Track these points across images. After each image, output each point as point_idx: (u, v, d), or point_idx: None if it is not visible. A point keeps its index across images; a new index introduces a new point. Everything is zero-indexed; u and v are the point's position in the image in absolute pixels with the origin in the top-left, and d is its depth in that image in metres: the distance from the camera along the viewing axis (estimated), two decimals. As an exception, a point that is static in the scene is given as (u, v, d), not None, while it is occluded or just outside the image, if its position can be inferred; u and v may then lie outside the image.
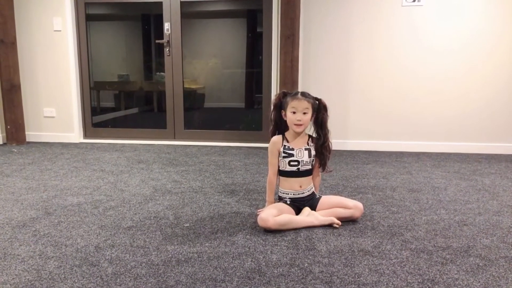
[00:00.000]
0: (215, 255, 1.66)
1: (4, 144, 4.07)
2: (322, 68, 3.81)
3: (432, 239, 1.82)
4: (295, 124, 1.93)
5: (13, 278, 1.47)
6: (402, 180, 2.79)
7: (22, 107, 4.08)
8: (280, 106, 2.00)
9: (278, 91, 3.72)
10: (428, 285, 1.43)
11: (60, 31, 4.03)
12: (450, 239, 1.82)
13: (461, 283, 1.45)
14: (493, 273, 1.52)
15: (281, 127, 2.04)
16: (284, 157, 1.98)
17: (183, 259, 1.62)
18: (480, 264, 1.59)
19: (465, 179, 2.82)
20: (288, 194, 2.01)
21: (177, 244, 1.76)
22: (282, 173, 2.01)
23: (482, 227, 1.97)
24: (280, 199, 2.04)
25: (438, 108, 3.74)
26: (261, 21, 3.97)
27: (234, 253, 1.67)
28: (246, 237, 1.83)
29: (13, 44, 3.94)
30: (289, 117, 1.94)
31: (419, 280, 1.47)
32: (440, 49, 3.66)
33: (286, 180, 2.01)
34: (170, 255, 1.65)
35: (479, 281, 1.46)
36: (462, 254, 1.67)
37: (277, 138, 2.01)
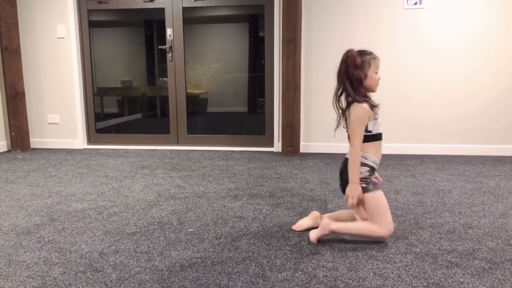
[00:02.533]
0: (219, 260, 1.66)
1: (9, 150, 4.09)
2: (324, 72, 3.81)
3: (437, 242, 1.81)
4: (377, 85, 1.83)
5: (18, 285, 1.48)
6: (405, 183, 2.78)
7: (26, 114, 4.11)
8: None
9: (281, 95, 3.74)
10: (433, 289, 1.42)
11: (64, 38, 4.06)
12: (455, 242, 1.81)
13: (466, 286, 1.44)
14: (499, 276, 1.51)
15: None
16: (375, 118, 1.80)
17: (187, 264, 1.62)
18: (486, 267, 1.58)
19: (470, 182, 2.81)
20: (377, 164, 1.80)
21: (181, 249, 1.76)
22: (374, 137, 1.78)
23: (487, 229, 1.95)
24: (372, 171, 1.78)
25: (441, 111, 3.73)
26: (263, 25, 3.98)
27: (238, 258, 1.67)
28: (250, 241, 1.83)
29: (17, 52, 3.97)
30: (373, 77, 1.79)
31: (424, 284, 1.46)
32: (443, 51, 3.66)
33: (376, 145, 1.79)
34: (174, 261, 1.65)
35: (485, 284, 1.45)
36: (467, 257, 1.66)
37: (366, 104, 1.78)
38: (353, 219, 1.90)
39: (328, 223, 1.78)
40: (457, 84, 3.68)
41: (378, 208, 1.76)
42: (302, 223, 1.98)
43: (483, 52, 3.61)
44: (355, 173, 1.75)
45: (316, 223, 1.95)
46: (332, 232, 1.78)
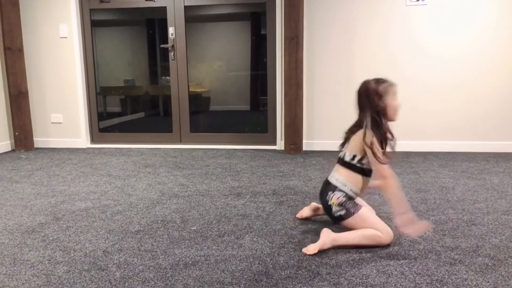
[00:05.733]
0: (222, 258, 1.66)
1: (13, 150, 4.11)
2: (326, 69, 3.80)
3: (440, 239, 1.81)
4: (397, 113, 1.79)
5: (23, 284, 1.49)
6: (409, 180, 2.77)
7: (29, 113, 4.13)
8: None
9: (283, 93, 3.74)
10: (436, 286, 1.42)
11: (66, 37, 4.07)
12: (458, 239, 1.81)
13: (470, 283, 1.44)
14: (502, 273, 1.50)
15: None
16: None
17: (190, 262, 1.63)
18: (489, 264, 1.58)
19: (473, 178, 2.80)
20: (356, 194, 1.79)
21: (185, 247, 1.77)
22: (363, 172, 1.79)
23: (491, 226, 1.95)
24: (350, 198, 1.77)
25: (445, 108, 3.72)
26: (265, 23, 3.98)
27: (241, 256, 1.67)
28: (253, 239, 1.83)
29: (20, 51, 3.99)
30: (393, 105, 1.75)
31: (427, 281, 1.46)
32: (446, 48, 3.64)
33: (360, 180, 1.78)
34: (178, 259, 1.66)
35: (488, 281, 1.45)
36: (470, 254, 1.66)
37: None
38: None
39: (329, 236, 1.72)
40: (461, 81, 3.67)
41: (366, 225, 1.72)
42: (303, 212, 2.09)
43: (488, 49, 3.59)
44: (399, 204, 1.67)
45: (315, 213, 2.06)
46: (334, 246, 1.71)
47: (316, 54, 3.80)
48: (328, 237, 1.71)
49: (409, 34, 3.66)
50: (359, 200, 1.83)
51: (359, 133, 1.76)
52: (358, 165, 1.76)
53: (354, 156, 1.77)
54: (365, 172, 1.78)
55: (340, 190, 1.76)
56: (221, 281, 1.48)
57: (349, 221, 1.75)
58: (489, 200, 2.33)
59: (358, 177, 1.78)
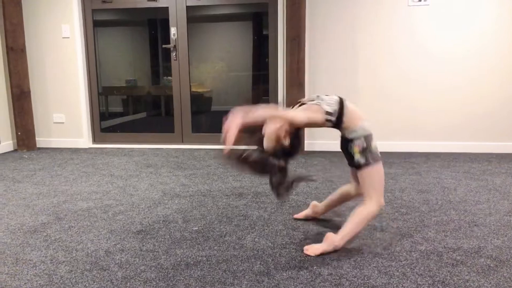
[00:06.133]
0: (224, 258, 1.66)
1: (15, 150, 4.12)
2: (328, 70, 3.80)
3: (442, 240, 1.81)
4: None
5: (25, 283, 1.49)
6: (411, 181, 2.77)
7: (32, 113, 4.13)
8: None
9: (285, 93, 3.74)
10: (438, 287, 1.42)
11: (69, 37, 4.08)
12: (460, 240, 1.80)
13: (472, 284, 1.44)
14: (504, 274, 1.50)
15: None
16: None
17: (192, 262, 1.63)
18: (491, 265, 1.57)
19: (475, 179, 2.79)
20: (368, 129, 1.76)
21: (186, 247, 1.77)
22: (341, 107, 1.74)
23: (493, 227, 1.95)
24: (368, 139, 1.73)
25: (447, 108, 3.71)
26: (267, 23, 3.98)
27: (243, 256, 1.67)
28: (255, 240, 1.84)
29: (22, 51, 4.00)
30: None
31: (429, 282, 1.45)
32: (448, 48, 3.64)
33: (353, 111, 1.75)
34: (179, 259, 1.66)
35: (490, 282, 1.45)
36: (472, 255, 1.66)
37: None
38: (343, 196, 1.93)
39: (333, 239, 1.69)
40: (463, 81, 3.66)
41: (376, 180, 1.72)
42: (302, 213, 2.10)
43: (490, 49, 3.58)
44: None
45: (314, 212, 2.06)
46: (338, 246, 1.69)
47: (318, 54, 3.79)
48: (332, 241, 1.69)
49: (412, 34, 3.66)
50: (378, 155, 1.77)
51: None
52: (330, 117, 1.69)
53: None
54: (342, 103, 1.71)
55: (357, 138, 1.71)
56: (222, 281, 1.48)
57: (368, 170, 1.71)
58: (491, 201, 2.33)
59: (350, 116, 1.70)
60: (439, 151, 3.72)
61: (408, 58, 3.70)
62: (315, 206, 2.08)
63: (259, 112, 1.58)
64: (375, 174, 1.73)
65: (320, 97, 1.72)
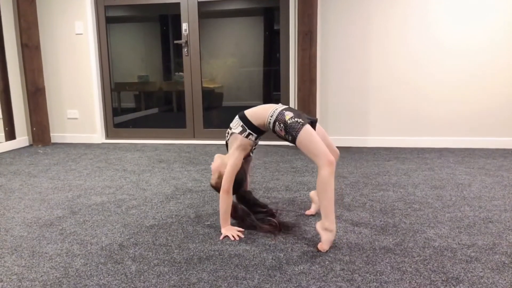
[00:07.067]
0: (236, 253, 1.67)
1: (31, 145, 4.20)
2: (340, 65, 3.77)
3: (456, 236, 1.79)
4: None
5: (41, 276, 1.52)
6: (424, 177, 2.74)
7: (46, 109, 4.20)
8: None
9: (297, 89, 3.72)
10: (452, 284, 1.41)
11: (82, 34, 4.12)
12: (474, 237, 1.78)
13: (486, 281, 1.42)
14: (520, 271, 1.48)
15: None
16: None
17: (204, 257, 1.64)
18: (506, 261, 1.55)
19: (491, 175, 2.75)
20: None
21: (199, 242, 1.78)
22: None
23: (508, 224, 1.92)
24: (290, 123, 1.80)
25: (462, 103, 3.65)
26: (278, 18, 3.96)
27: (255, 251, 1.68)
28: (266, 235, 1.84)
29: (37, 48, 4.06)
30: None
31: (443, 278, 1.44)
32: (463, 43, 3.58)
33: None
34: (192, 253, 1.68)
35: (505, 279, 1.43)
36: (487, 251, 1.64)
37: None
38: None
39: (322, 227, 1.68)
40: (477, 76, 3.60)
41: (311, 145, 1.71)
42: (312, 209, 2.11)
43: (506, 41, 3.51)
44: None
45: (315, 201, 2.07)
46: (333, 229, 1.67)
47: (330, 49, 3.77)
48: (322, 227, 1.67)
49: (426, 28, 3.60)
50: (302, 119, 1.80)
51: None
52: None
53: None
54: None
55: (275, 127, 1.79)
56: (235, 275, 1.49)
57: (298, 143, 1.73)
58: (507, 197, 2.29)
59: (255, 118, 1.86)
60: (453, 147, 3.67)
61: (422, 52, 3.65)
62: (314, 194, 2.09)
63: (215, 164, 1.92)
64: (305, 142, 1.73)
65: (231, 128, 1.92)
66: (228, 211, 1.87)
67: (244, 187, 2.06)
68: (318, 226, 1.70)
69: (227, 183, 1.83)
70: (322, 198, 1.67)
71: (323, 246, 1.68)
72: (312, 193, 2.12)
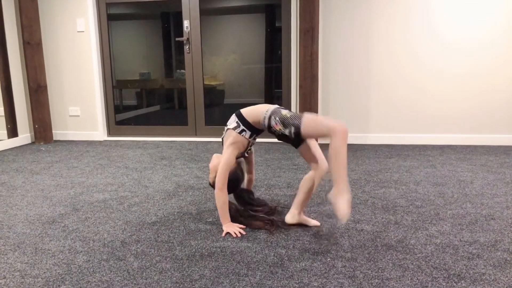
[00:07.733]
0: (238, 249, 1.67)
1: (33, 143, 4.21)
2: (342, 62, 3.76)
3: (458, 233, 1.79)
4: None
5: (44, 272, 1.53)
6: (426, 174, 2.74)
7: (48, 106, 4.21)
8: None
9: (299, 86, 3.72)
10: (454, 280, 1.41)
11: (83, 31, 4.12)
12: (476, 234, 1.78)
13: (488, 278, 1.42)
14: (522, 268, 1.48)
15: None
16: None
17: (206, 253, 1.65)
18: (508, 258, 1.55)
19: (493, 172, 2.75)
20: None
21: (201, 238, 1.79)
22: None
23: (510, 221, 1.91)
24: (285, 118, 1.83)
25: (463, 100, 3.64)
26: (280, 15, 3.95)
27: (256, 248, 1.68)
28: (268, 231, 1.84)
29: (38, 46, 4.06)
30: None
31: (444, 275, 1.44)
32: (464, 41, 3.56)
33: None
34: (194, 250, 1.68)
35: (507, 276, 1.43)
36: (489, 248, 1.64)
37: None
38: (311, 183, 1.86)
39: (334, 195, 1.64)
40: (479, 73, 3.59)
41: (317, 124, 1.73)
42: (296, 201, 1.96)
43: (507, 39, 3.50)
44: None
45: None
46: (342, 191, 1.63)
47: (332, 47, 3.76)
48: (335, 195, 1.64)
49: (428, 25, 3.59)
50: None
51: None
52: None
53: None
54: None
55: (271, 122, 1.79)
56: (236, 272, 1.49)
57: (303, 130, 1.73)
58: (509, 194, 2.29)
59: (251, 115, 1.88)
60: (455, 144, 3.67)
61: (425, 48, 3.63)
62: (302, 185, 1.98)
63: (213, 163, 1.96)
64: (310, 124, 1.74)
65: (227, 125, 1.94)
66: (226, 208, 1.88)
67: (248, 187, 2.08)
68: (330, 195, 1.66)
69: (220, 180, 1.85)
70: (334, 165, 1.66)
71: (343, 211, 1.60)
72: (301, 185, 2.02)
